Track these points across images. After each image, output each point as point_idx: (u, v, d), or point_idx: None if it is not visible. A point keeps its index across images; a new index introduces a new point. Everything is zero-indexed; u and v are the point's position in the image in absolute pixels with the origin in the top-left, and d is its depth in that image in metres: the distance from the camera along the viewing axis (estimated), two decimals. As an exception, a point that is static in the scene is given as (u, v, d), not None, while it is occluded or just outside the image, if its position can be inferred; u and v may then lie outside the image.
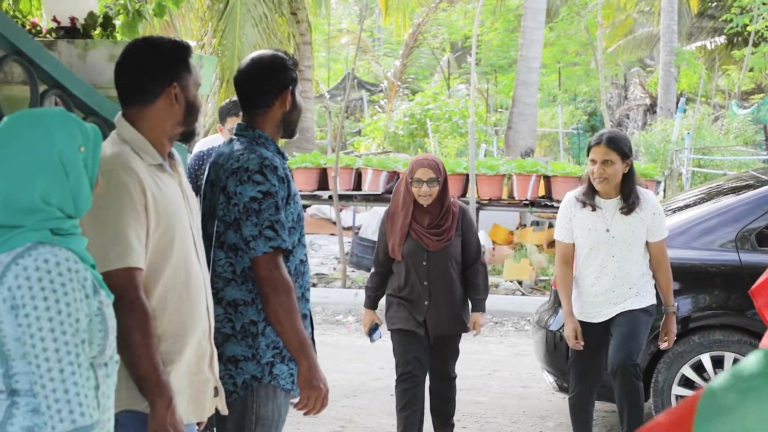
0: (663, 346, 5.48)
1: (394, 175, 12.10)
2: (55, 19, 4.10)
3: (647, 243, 5.31)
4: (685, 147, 14.84)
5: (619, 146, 5.23)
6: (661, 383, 5.89)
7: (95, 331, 2.42)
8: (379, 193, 12.10)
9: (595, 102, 29.06)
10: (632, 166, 5.30)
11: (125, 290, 2.81)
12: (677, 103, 19.09)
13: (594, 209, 5.30)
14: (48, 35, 4.09)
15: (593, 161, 5.26)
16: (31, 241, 2.34)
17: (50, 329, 2.30)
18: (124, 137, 3.06)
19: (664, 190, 14.19)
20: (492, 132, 23.02)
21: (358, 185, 12.30)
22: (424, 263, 5.46)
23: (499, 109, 27.56)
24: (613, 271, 5.29)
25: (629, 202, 5.24)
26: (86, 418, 2.31)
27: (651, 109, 25.25)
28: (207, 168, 3.65)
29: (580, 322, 5.39)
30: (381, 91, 28.15)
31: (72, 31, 4.08)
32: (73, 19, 4.08)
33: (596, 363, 5.50)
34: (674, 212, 6.49)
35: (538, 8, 18.08)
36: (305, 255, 3.64)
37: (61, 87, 3.59)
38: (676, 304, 5.42)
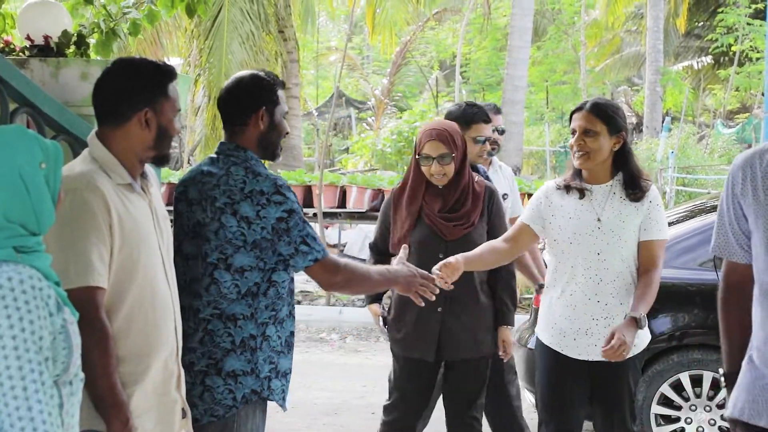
0: (606, 354, 4.00)
1: (378, 193, 12.09)
2: (28, 38, 4.09)
3: (638, 244, 4.18)
4: (669, 166, 14.87)
5: (607, 114, 4.12)
6: (641, 402, 5.87)
7: (59, 348, 2.40)
8: (364, 210, 12.09)
9: (582, 120, 29.16)
10: (627, 143, 4.19)
11: (85, 309, 2.79)
12: (663, 122, 19.14)
13: (582, 194, 4.18)
14: (21, 53, 4.08)
15: (573, 131, 4.19)
16: None
17: (14, 347, 2.27)
18: (95, 155, 3.06)
19: (649, 209, 14.21)
20: (479, 150, 22.97)
21: (343, 203, 12.30)
22: (441, 256, 4.35)
23: (487, 127, 27.52)
24: (600, 272, 4.15)
25: (635, 186, 4.15)
26: None
27: (637, 127, 25.32)
28: (182, 186, 3.62)
29: (551, 351, 4.33)
30: (369, 108, 28.19)
31: (46, 50, 4.08)
32: (46, 38, 4.08)
33: (573, 406, 4.39)
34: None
35: (524, 27, 18.15)
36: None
37: (31, 105, 3.59)
38: (644, 316, 4.04)
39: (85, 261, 2.87)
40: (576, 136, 4.15)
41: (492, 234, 4.55)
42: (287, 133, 3.69)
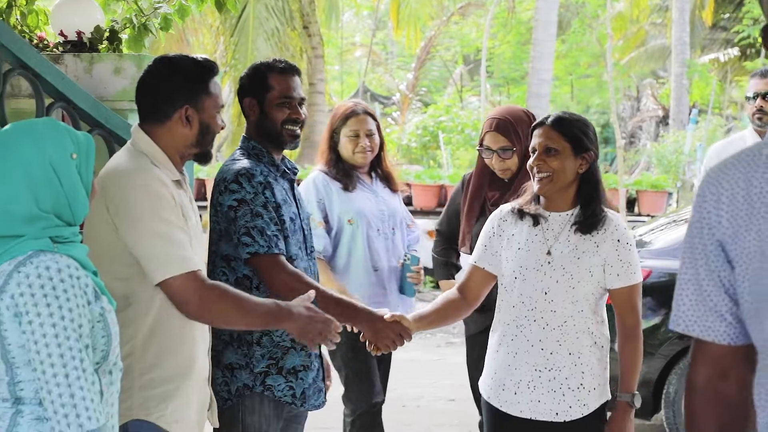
0: None
1: (408, 187, 12.11)
2: (62, 33, 4.13)
3: (610, 292, 3.53)
4: (697, 158, 14.81)
5: (571, 131, 3.51)
6: (672, 395, 5.87)
7: (98, 337, 2.44)
8: (390, 205, 12.09)
9: (608, 114, 29.05)
10: (595, 166, 3.56)
11: (194, 290, 2.90)
12: (689, 115, 19.05)
13: (536, 222, 3.56)
14: (55, 49, 4.12)
15: (532, 150, 3.57)
16: (32, 249, 2.36)
17: (54, 335, 2.31)
18: (143, 150, 3.08)
19: (677, 201, 14.17)
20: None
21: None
22: None
23: (512, 122, 27.47)
24: (546, 315, 3.49)
25: (588, 213, 3.51)
26: (93, 422, 2.33)
27: (663, 120, 25.20)
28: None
29: (491, 407, 3.63)
30: (394, 103, 28.20)
31: (78, 45, 4.12)
32: (79, 33, 4.12)
33: None
34: (686, 223, 6.47)
35: (549, 21, 18.10)
36: (313, 263, 3.66)
37: (66, 100, 3.63)
38: (636, 394, 3.50)
39: (182, 250, 2.93)
40: (535, 155, 3.53)
41: None
42: (297, 119, 3.64)
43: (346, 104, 4.77)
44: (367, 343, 3.57)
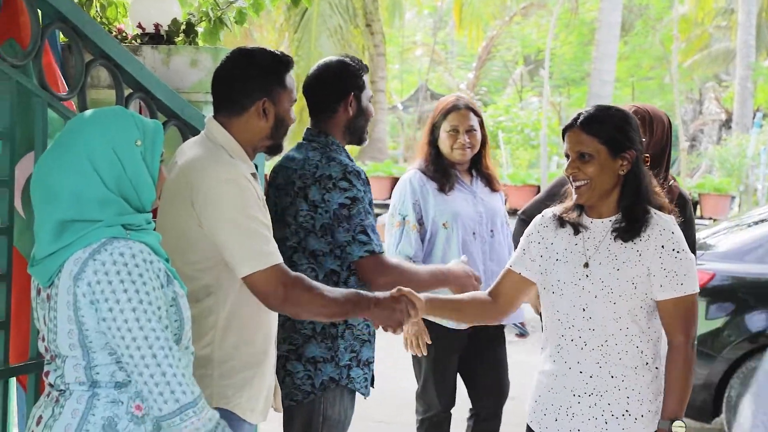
0: None
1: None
2: (140, 26, 4.20)
3: (657, 304, 3.15)
4: (761, 162, 14.63)
5: (604, 131, 3.14)
6: (734, 399, 5.83)
7: (171, 321, 2.49)
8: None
9: (670, 116, 28.75)
10: (639, 164, 3.20)
11: (278, 283, 2.93)
12: (753, 119, 18.81)
13: (576, 231, 3.23)
14: (133, 41, 4.20)
15: (566, 155, 3.25)
16: (106, 237, 2.41)
17: (135, 319, 2.36)
18: (219, 141, 3.10)
19: (739, 205, 14.02)
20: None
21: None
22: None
23: (572, 123, 27.31)
24: (585, 334, 3.15)
25: (630, 219, 3.16)
26: (188, 396, 2.38)
27: (726, 124, 24.90)
28: (273, 173, 3.70)
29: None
30: (453, 103, 28.19)
31: (156, 38, 4.18)
32: (157, 26, 4.18)
33: None
34: (749, 227, 6.42)
35: (612, 22, 18.02)
36: None
37: (145, 91, 3.69)
38: (681, 422, 3.09)
39: (265, 244, 2.96)
40: (569, 161, 3.19)
41: None
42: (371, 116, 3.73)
43: (448, 99, 4.57)
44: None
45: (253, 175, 3.13)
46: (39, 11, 3.36)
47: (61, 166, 2.44)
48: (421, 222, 4.43)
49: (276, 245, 3.01)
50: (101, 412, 2.41)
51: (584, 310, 3.12)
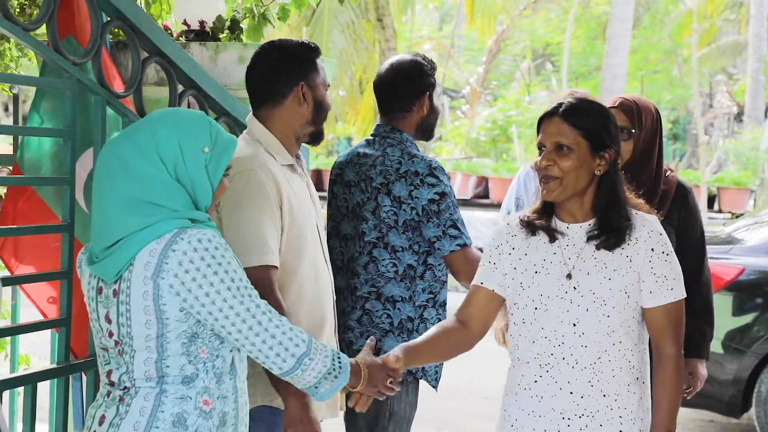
0: None
1: (482, 180, 12.14)
2: (185, 23, 4.22)
3: (643, 311, 2.90)
4: (775, 156, 14.64)
5: (588, 123, 2.85)
6: (764, 393, 5.84)
7: None
8: (468, 198, 12.14)
9: (678, 110, 28.72)
10: (616, 166, 2.91)
11: (262, 288, 2.87)
12: (766, 112, 18.80)
13: (552, 238, 2.91)
14: (178, 38, 4.21)
15: (540, 146, 2.92)
16: (177, 227, 2.43)
17: (233, 296, 2.43)
18: (256, 137, 3.15)
19: (754, 200, 14.02)
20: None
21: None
22: None
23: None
24: (576, 352, 2.86)
25: (606, 225, 2.87)
26: (301, 347, 2.49)
27: (738, 117, 24.88)
28: (337, 168, 3.71)
29: None
30: (463, 96, 28.17)
31: (201, 34, 4.20)
32: (202, 23, 4.20)
33: None
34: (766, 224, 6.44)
35: (624, 16, 18.01)
36: None
37: (197, 88, 3.71)
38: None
39: (261, 241, 2.97)
40: (543, 153, 2.88)
41: (682, 242, 3.61)
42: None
43: (560, 96, 4.26)
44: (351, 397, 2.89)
45: (291, 166, 3.15)
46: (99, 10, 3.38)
47: (132, 148, 2.46)
48: None
49: (274, 247, 3.00)
50: (170, 409, 2.43)
51: (575, 325, 2.84)
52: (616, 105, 3.60)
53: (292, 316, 3.04)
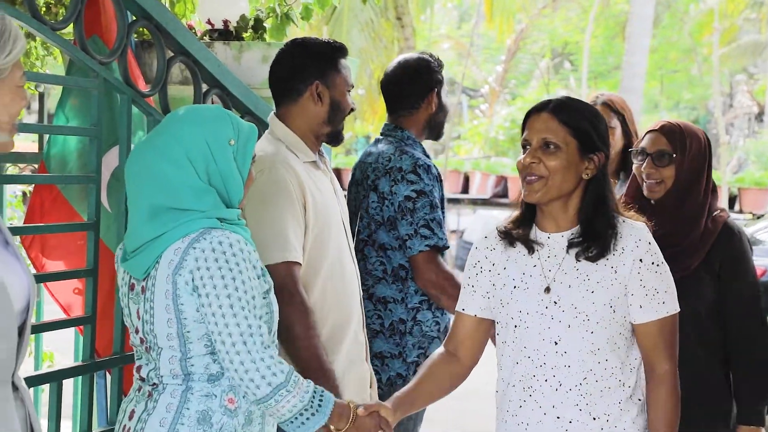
0: None
1: (501, 180, 12.13)
2: (209, 22, 4.23)
3: (635, 328, 2.66)
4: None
5: (579, 122, 2.64)
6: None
7: (263, 312, 2.51)
8: (488, 197, 12.13)
9: (698, 110, 28.62)
10: (605, 171, 2.68)
11: (284, 284, 2.90)
12: (787, 111, 18.73)
13: (531, 249, 2.68)
14: (202, 37, 4.23)
15: (525, 144, 2.69)
16: (203, 227, 2.44)
17: (229, 305, 2.39)
18: (278, 135, 3.16)
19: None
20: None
21: (466, 188, 12.36)
22: None
23: (599, 116, 27.27)
24: (559, 373, 2.63)
25: (590, 237, 2.63)
26: (279, 377, 2.40)
27: (758, 117, 24.77)
28: (353, 169, 3.74)
29: None
30: (481, 95, 28.17)
31: (225, 33, 4.21)
32: (226, 22, 4.21)
33: None
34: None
35: (644, 15, 17.95)
36: None
37: (221, 87, 3.73)
38: None
39: (283, 238, 2.98)
40: (528, 150, 2.65)
41: (728, 288, 3.15)
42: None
43: (590, 96, 4.03)
44: None
45: (314, 163, 3.16)
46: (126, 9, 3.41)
47: (156, 153, 2.48)
48: None
49: (296, 243, 2.99)
50: (195, 406, 2.45)
51: (556, 344, 2.61)
52: (657, 128, 3.25)
53: (316, 311, 3.04)
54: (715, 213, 3.20)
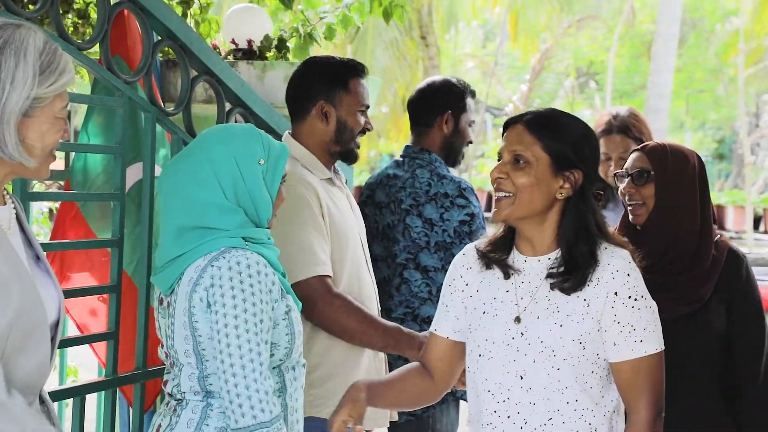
0: None
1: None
2: (233, 42, 4.28)
3: (611, 367, 2.43)
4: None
5: (553, 137, 2.42)
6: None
7: (282, 334, 2.52)
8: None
9: (724, 129, 28.49)
10: (586, 191, 2.45)
11: (319, 294, 2.96)
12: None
13: (507, 274, 2.48)
14: (226, 57, 4.27)
15: (499, 156, 2.50)
16: (226, 246, 2.47)
17: (234, 326, 2.39)
18: (294, 154, 3.17)
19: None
20: (618, 158, 22.74)
21: (488, 207, 12.34)
22: None
23: (624, 135, 27.20)
24: (524, 410, 2.41)
25: (574, 264, 2.41)
26: (266, 414, 2.37)
27: (784, 137, 24.65)
28: (368, 189, 3.75)
29: None
30: (506, 114, 28.19)
31: (249, 53, 4.25)
32: (250, 42, 4.25)
33: None
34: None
35: (670, 34, 17.94)
36: None
37: (244, 106, 3.76)
38: None
39: (310, 253, 3.01)
40: (498, 164, 2.47)
41: (737, 321, 2.92)
42: (470, 142, 3.77)
43: (603, 118, 3.81)
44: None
45: (330, 180, 3.19)
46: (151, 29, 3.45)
47: (184, 172, 2.52)
48: None
49: (324, 257, 3.03)
50: (215, 422, 2.46)
51: (521, 378, 2.40)
52: (640, 148, 3.03)
53: None
54: (716, 238, 2.98)
